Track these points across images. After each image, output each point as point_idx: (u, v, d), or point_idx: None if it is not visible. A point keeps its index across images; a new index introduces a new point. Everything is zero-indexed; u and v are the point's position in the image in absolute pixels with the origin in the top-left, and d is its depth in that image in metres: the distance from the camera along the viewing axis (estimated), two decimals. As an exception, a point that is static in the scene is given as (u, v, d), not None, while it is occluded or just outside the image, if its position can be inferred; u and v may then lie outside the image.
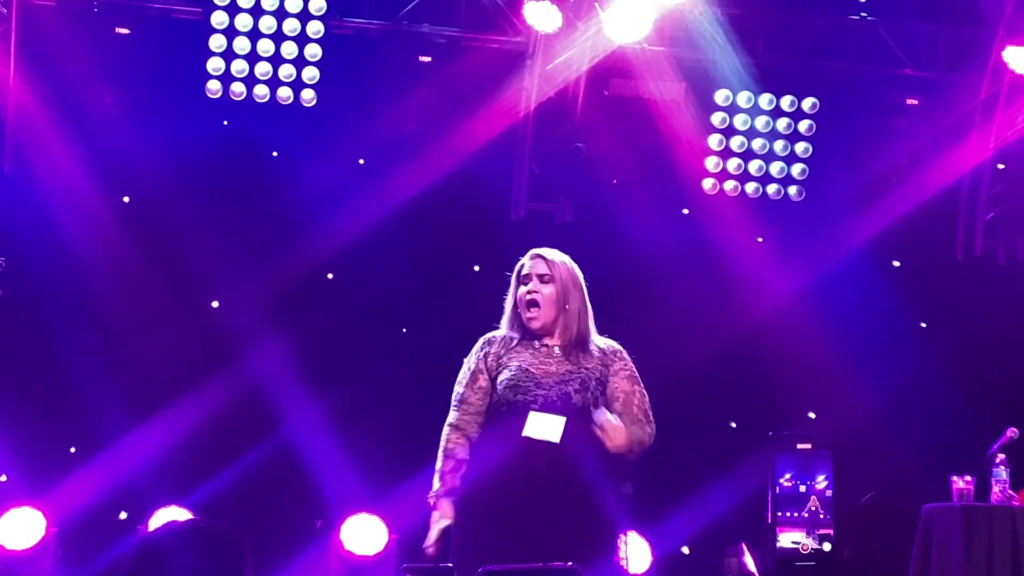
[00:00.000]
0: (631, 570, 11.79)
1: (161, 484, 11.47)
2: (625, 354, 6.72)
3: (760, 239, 12.82)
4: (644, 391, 6.63)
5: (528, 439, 6.47)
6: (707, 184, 12.63)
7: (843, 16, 12.49)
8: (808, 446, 11.93)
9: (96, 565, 11.34)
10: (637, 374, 6.68)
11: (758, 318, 12.53)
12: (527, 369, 6.58)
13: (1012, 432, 9.96)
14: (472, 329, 12.78)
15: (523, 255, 12.93)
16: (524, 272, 6.74)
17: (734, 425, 12.79)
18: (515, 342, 6.70)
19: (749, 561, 11.92)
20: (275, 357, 11.78)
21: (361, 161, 12.30)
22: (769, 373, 12.47)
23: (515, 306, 6.76)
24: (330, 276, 12.41)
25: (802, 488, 11.88)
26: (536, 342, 6.69)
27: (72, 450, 11.72)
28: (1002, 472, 9.86)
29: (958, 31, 12.56)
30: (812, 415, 12.88)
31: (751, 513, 12.09)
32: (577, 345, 6.63)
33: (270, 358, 11.78)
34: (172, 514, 11.08)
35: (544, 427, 6.49)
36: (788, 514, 11.87)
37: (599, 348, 6.69)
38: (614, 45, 11.74)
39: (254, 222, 12.14)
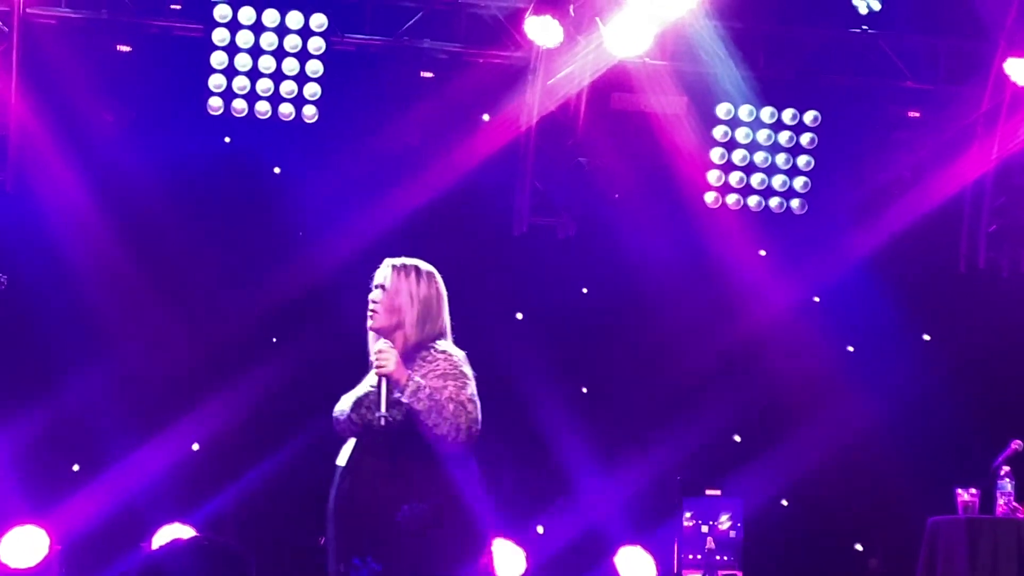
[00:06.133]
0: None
1: (164, 501, 11.46)
2: (447, 355, 6.55)
3: (763, 252, 12.81)
4: (463, 384, 6.48)
5: (337, 467, 6.59)
6: (709, 198, 12.62)
7: (844, 29, 12.49)
8: (717, 492, 11.97)
9: (99, 583, 11.34)
10: (455, 370, 6.51)
11: (761, 331, 12.53)
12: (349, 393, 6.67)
13: (1016, 445, 9.96)
14: (475, 344, 12.78)
15: (526, 270, 12.93)
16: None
17: (738, 439, 12.77)
18: None
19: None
20: (278, 373, 11.77)
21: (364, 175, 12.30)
22: (772, 385, 12.47)
23: None
24: (332, 291, 12.40)
25: (704, 528, 11.90)
26: None
27: (76, 468, 11.72)
28: (1007, 484, 9.86)
29: (959, 43, 12.56)
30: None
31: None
32: (405, 359, 6.52)
33: (273, 374, 11.76)
34: (175, 531, 11.07)
35: (344, 451, 6.57)
36: (689, 556, 11.90)
37: (424, 357, 6.58)
38: (615, 59, 11.74)
39: (256, 238, 12.14)
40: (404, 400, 6.38)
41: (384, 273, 6.74)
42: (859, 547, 12.73)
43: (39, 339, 11.75)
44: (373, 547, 6.36)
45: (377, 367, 6.39)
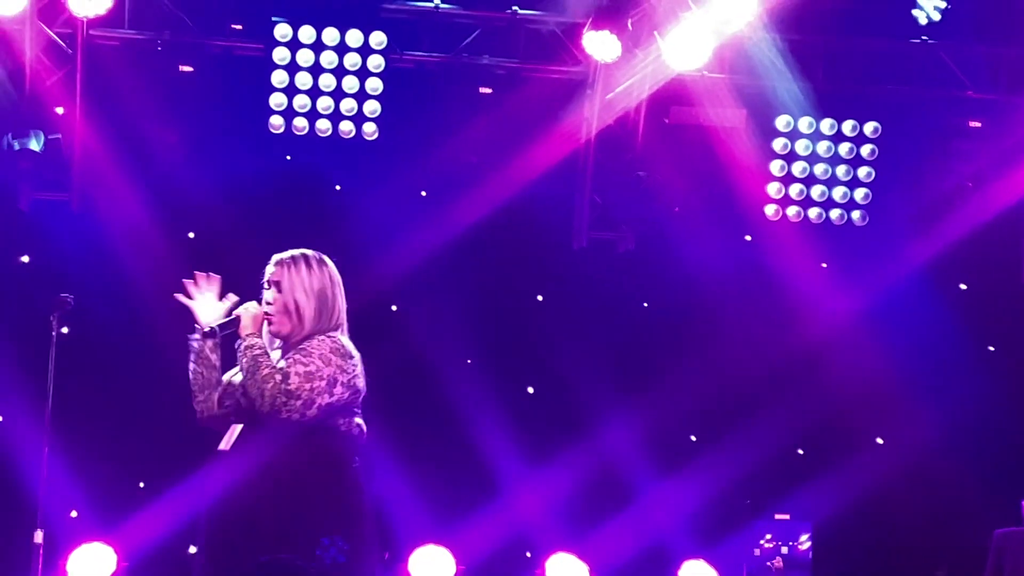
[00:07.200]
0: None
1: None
2: (329, 340, 6.20)
3: (824, 264, 12.79)
4: (307, 362, 6.10)
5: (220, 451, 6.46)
6: (769, 210, 12.61)
7: (904, 40, 12.44)
8: (786, 517, 11.94)
9: (166, 600, 11.42)
10: (317, 351, 6.15)
11: (822, 344, 12.51)
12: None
13: (1081, 454, 9.91)
14: (535, 358, 12.81)
15: (586, 284, 12.90)
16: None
17: (801, 452, 12.76)
18: None
19: None
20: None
21: (423, 193, 12.36)
22: (833, 398, 12.44)
23: None
24: (394, 308, 12.47)
25: (784, 550, 11.86)
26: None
27: (141, 485, 11.82)
28: (1073, 495, 9.82)
29: (1019, 53, 12.49)
30: (880, 440, 12.84)
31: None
32: (290, 347, 6.28)
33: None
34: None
35: (228, 437, 6.42)
36: None
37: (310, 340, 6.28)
38: (673, 73, 11.74)
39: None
40: (239, 352, 6.23)
41: (272, 270, 6.42)
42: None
43: (106, 358, 11.88)
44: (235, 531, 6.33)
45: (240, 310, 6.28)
